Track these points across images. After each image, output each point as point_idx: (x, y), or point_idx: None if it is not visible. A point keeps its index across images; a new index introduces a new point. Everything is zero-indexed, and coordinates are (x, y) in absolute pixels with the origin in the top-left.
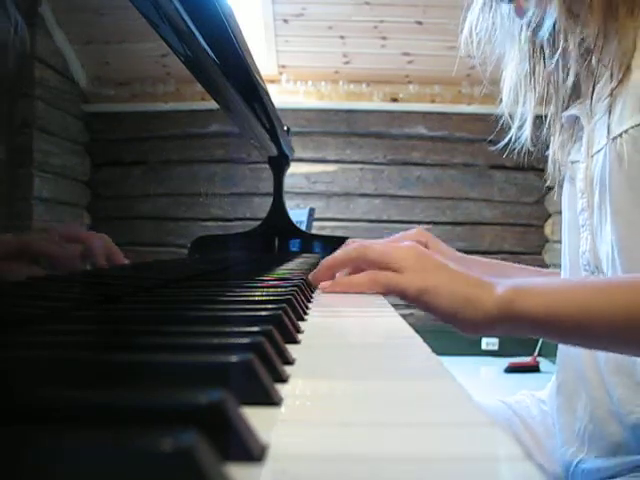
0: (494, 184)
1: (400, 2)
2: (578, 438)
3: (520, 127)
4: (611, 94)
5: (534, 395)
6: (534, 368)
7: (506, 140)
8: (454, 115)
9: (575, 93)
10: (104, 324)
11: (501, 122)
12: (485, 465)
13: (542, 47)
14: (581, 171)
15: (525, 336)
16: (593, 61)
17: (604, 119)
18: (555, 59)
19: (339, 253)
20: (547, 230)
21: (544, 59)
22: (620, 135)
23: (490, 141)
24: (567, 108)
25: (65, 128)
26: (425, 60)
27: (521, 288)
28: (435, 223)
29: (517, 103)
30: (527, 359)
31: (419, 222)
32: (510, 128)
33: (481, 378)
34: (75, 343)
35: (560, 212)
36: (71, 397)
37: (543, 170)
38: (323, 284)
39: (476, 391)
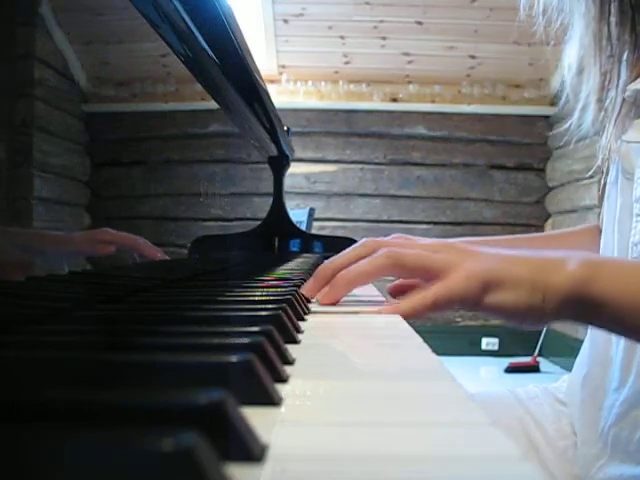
0: (494, 184)
1: (400, 2)
2: (601, 439)
3: (583, 109)
4: None
5: (547, 389)
6: (534, 368)
7: (568, 124)
8: (454, 115)
9: None
10: (104, 324)
11: (562, 104)
12: (485, 465)
13: (610, 5)
14: None
15: (592, 324)
16: None
17: None
18: (626, 16)
19: (369, 265)
20: (547, 230)
21: (610, 24)
22: None
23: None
24: (633, 81)
25: (65, 128)
26: (425, 60)
27: (599, 265)
28: (435, 223)
29: (581, 82)
30: (527, 359)
31: (419, 222)
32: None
33: (481, 378)
34: (75, 343)
35: (561, 212)
36: (71, 397)
37: (543, 170)
38: (387, 309)
39: (476, 391)
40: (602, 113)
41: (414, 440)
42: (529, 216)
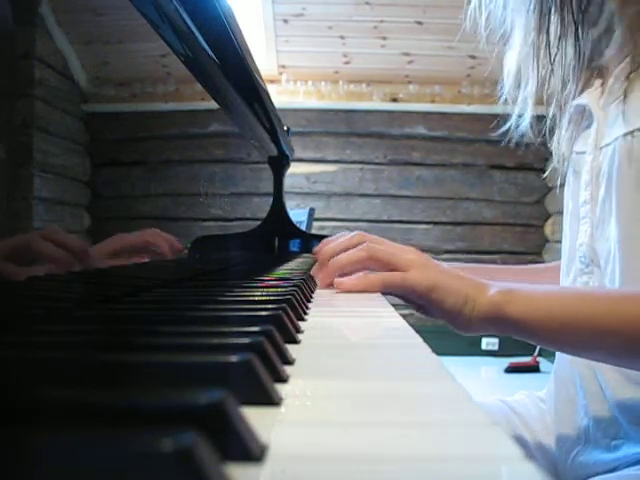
0: (494, 184)
1: (400, 2)
2: (575, 430)
3: (520, 115)
4: (628, 78)
5: (533, 394)
6: (534, 368)
7: (506, 127)
8: (454, 115)
9: (586, 78)
10: (104, 324)
11: (501, 108)
12: (485, 465)
13: (549, 18)
14: (587, 163)
15: (514, 337)
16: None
17: (616, 110)
18: (571, 31)
19: (350, 255)
20: (547, 230)
21: (549, 34)
22: (632, 133)
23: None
24: (575, 97)
25: (65, 128)
26: (425, 60)
27: (512, 292)
28: (435, 223)
29: (519, 87)
30: (527, 359)
31: (419, 222)
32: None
33: (481, 378)
34: (75, 343)
35: (561, 212)
36: (71, 397)
37: (543, 170)
38: (338, 281)
39: (476, 391)
40: (549, 117)
41: (414, 440)
42: (529, 216)
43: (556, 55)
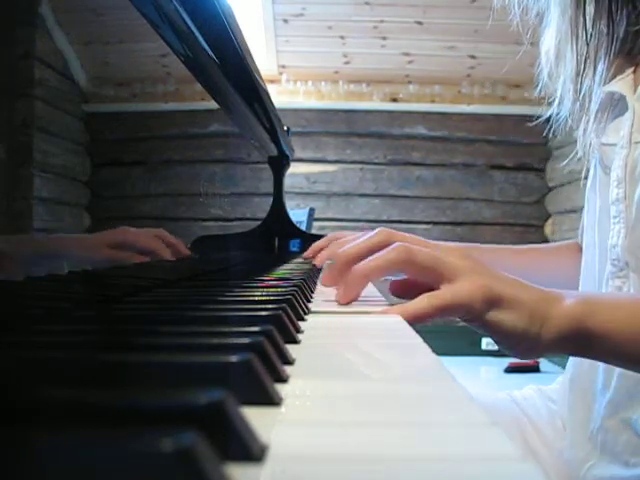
0: (494, 184)
1: (400, 2)
2: (590, 441)
3: (561, 97)
4: None
5: (542, 391)
6: (534, 368)
7: (547, 116)
8: (454, 115)
9: (618, 65)
10: (104, 324)
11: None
12: (485, 465)
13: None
14: (620, 157)
15: (590, 357)
16: None
17: None
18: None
19: (381, 259)
20: (547, 230)
21: (585, 12)
22: None
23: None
24: (605, 82)
25: (65, 128)
26: (425, 60)
27: (593, 302)
28: (435, 223)
29: (558, 71)
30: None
31: (419, 222)
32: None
33: (481, 378)
34: (75, 343)
35: (561, 212)
36: (70, 397)
37: (543, 170)
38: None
39: (476, 391)
40: (577, 104)
41: (414, 440)
42: (529, 216)
43: (591, 35)
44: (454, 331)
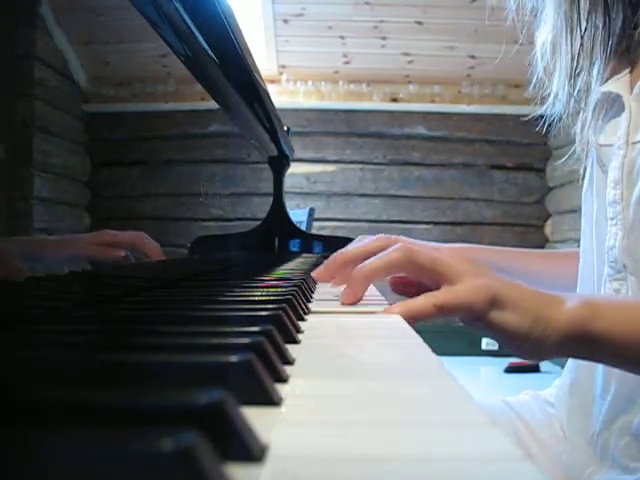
0: (494, 184)
1: (400, 2)
2: (590, 446)
3: (556, 97)
4: None
5: (538, 395)
6: (534, 368)
7: (541, 112)
8: (454, 115)
9: (614, 64)
10: (104, 324)
11: (535, 88)
12: (485, 466)
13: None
14: (617, 158)
15: (594, 360)
16: None
17: None
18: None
19: (383, 258)
20: (547, 230)
21: (580, 6)
22: None
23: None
24: (602, 81)
25: (65, 128)
26: (425, 60)
27: (597, 304)
28: (435, 223)
29: (553, 67)
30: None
31: (419, 222)
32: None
33: (481, 378)
34: (75, 343)
35: (561, 212)
36: (71, 397)
37: (543, 170)
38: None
39: (476, 391)
40: (572, 100)
41: (414, 440)
42: (529, 216)
43: (586, 29)
44: (454, 331)
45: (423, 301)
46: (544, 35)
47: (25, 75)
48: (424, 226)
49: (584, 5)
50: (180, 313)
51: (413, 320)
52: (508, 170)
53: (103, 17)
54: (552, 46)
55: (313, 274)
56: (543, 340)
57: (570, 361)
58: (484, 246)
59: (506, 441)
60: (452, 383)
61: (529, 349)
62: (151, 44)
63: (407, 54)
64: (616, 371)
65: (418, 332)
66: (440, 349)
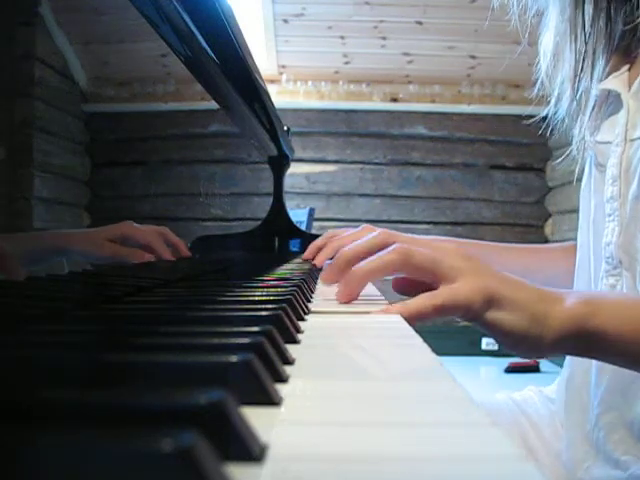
0: (494, 184)
1: (400, 2)
2: (587, 441)
3: (559, 96)
4: None
5: (542, 392)
6: (534, 368)
7: (544, 114)
8: (454, 115)
9: (614, 62)
10: (104, 324)
11: (539, 93)
12: (485, 466)
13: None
14: (615, 155)
15: (593, 357)
16: None
17: None
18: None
19: (379, 260)
20: (547, 230)
21: (584, 11)
22: None
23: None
24: (601, 80)
25: (65, 128)
26: (425, 60)
27: (596, 301)
28: (435, 223)
29: (556, 70)
30: (527, 359)
31: (419, 222)
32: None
33: (481, 378)
34: (75, 343)
35: (561, 212)
36: (71, 397)
37: (543, 170)
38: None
39: (476, 391)
40: (574, 103)
41: (414, 440)
42: (529, 216)
43: (590, 34)
44: (454, 331)
45: (422, 301)
46: (547, 39)
47: (25, 75)
48: (424, 226)
49: (588, 10)
50: (180, 313)
51: (413, 320)
52: (508, 170)
53: (103, 17)
54: (555, 50)
55: (321, 279)
56: (541, 338)
57: (568, 356)
58: (481, 242)
59: (506, 441)
60: (452, 383)
61: (528, 347)
62: (151, 44)
63: (407, 54)
64: (609, 365)
65: (418, 332)
66: (440, 349)
